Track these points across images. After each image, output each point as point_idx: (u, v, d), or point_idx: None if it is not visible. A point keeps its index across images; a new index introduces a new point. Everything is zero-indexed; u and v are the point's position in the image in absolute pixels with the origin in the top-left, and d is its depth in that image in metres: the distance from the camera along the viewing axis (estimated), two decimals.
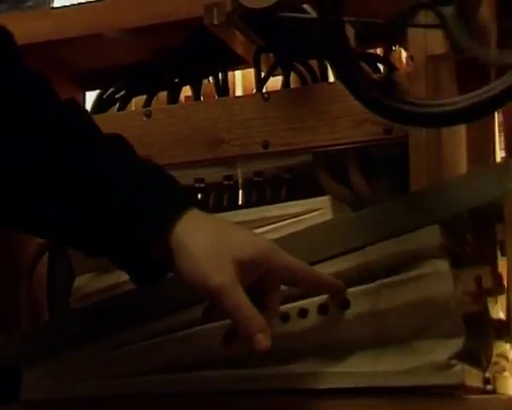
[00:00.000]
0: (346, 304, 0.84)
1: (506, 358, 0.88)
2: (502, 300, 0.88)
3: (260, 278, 0.80)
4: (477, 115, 0.76)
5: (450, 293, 0.81)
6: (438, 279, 0.81)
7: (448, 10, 0.78)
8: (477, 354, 0.85)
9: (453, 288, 0.81)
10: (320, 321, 0.85)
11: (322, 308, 0.85)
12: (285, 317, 0.86)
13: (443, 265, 0.82)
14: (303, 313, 0.86)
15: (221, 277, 0.76)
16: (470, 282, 0.83)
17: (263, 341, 0.77)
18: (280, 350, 0.85)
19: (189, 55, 1.05)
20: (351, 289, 0.84)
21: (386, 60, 1.04)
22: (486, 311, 0.86)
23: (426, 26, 0.86)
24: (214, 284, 0.76)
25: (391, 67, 1.01)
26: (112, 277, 0.98)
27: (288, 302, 0.86)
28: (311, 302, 0.86)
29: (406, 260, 0.83)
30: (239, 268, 0.77)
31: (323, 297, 0.85)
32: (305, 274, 0.83)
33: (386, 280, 0.83)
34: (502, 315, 0.88)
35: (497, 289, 0.85)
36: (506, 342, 0.87)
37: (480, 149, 0.92)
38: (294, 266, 0.82)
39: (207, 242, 0.78)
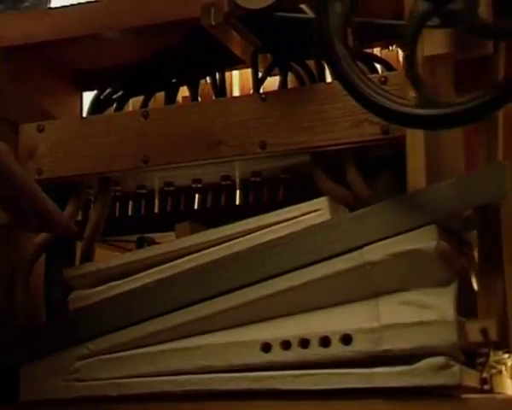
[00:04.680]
0: (347, 340, 0.84)
1: (503, 363, 0.88)
2: None
3: None
4: (475, 118, 0.76)
5: (455, 344, 0.81)
6: (443, 328, 0.81)
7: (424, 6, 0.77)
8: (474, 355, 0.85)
9: (457, 339, 0.81)
10: (320, 353, 0.85)
11: (324, 341, 0.85)
12: (286, 345, 0.87)
13: (449, 310, 0.82)
14: (304, 343, 0.86)
15: None
16: (476, 333, 0.83)
17: None
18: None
19: (186, 55, 1.05)
20: (353, 325, 0.84)
21: (382, 59, 1.04)
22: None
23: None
24: None
25: (388, 67, 1.02)
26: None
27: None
28: (313, 333, 0.86)
29: (404, 261, 0.83)
30: None
31: (325, 330, 0.85)
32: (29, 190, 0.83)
33: (389, 320, 0.83)
34: None
35: (503, 341, 0.84)
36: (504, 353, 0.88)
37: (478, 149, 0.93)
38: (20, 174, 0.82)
39: None
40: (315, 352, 0.85)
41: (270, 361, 0.87)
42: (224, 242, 0.93)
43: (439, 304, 0.82)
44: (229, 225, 0.94)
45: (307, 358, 0.85)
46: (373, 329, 0.83)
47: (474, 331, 0.83)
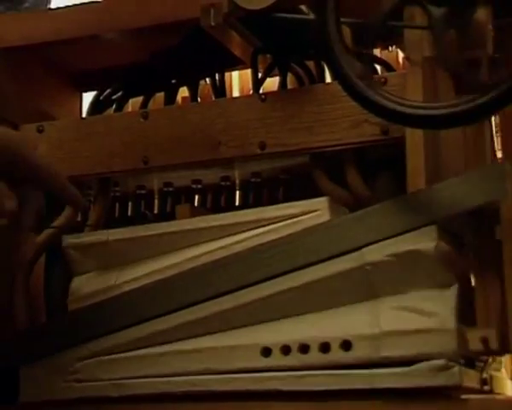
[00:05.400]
0: (347, 346, 0.84)
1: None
2: None
3: (5, 170, 0.83)
4: (474, 118, 0.76)
5: (455, 352, 0.81)
6: (443, 336, 0.81)
7: (439, 12, 0.78)
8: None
9: (457, 347, 0.81)
10: (320, 359, 0.85)
11: (324, 347, 0.85)
12: (286, 350, 0.87)
13: (449, 322, 0.81)
14: (304, 348, 0.86)
15: None
16: (476, 342, 0.83)
17: (7, 204, 0.81)
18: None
19: (185, 56, 1.05)
20: (353, 331, 0.84)
21: (382, 60, 1.04)
22: None
23: (410, 27, 0.86)
24: None
25: (387, 68, 1.02)
26: (109, 278, 0.98)
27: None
28: (313, 339, 0.86)
29: (404, 262, 0.83)
30: None
31: (325, 336, 0.85)
32: (46, 173, 0.86)
33: (389, 328, 0.83)
34: None
35: (503, 349, 0.84)
36: None
37: (478, 149, 0.92)
38: (36, 161, 0.85)
39: None
40: (315, 357, 0.85)
41: (270, 366, 0.87)
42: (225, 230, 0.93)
43: (439, 311, 0.82)
44: (228, 213, 0.94)
45: (307, 363, 0.85)
46: (373, 335, 0.83)
47: (474, 340, 0.83)
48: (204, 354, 0.90)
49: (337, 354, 0.84)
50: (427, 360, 0.81)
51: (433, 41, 0.80)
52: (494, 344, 0.82)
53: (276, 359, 0.86)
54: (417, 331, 0.82)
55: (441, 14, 0.78)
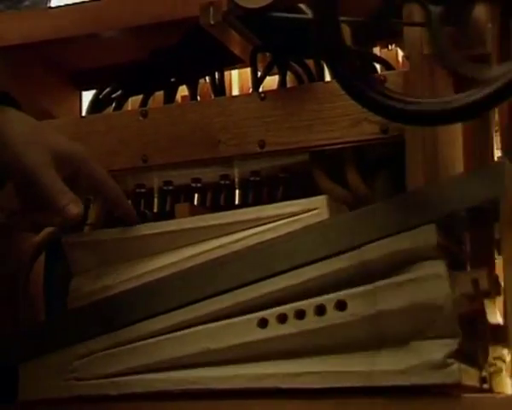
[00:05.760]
0: (342, 305, 0.84)
1: (503, 360, 0.88)
2: (499, 301, 0.88)
3: (69, 178, 0.89)
4: (472, 114, 0.76)
5: (448, 295, 0.81)
6: (435, 282, 0.81)
7: (437, 10, 0.78)
8: (473, 354, 0.85)
9: (450, 290, 0.81)
10: (317, 322, 0.85)
11: (319, 309, 0.85)
12: (283, 318, 0.87)
13: (440, 267, 0.82)
14: (300, 314, 0.86)
15: (36, 157, 0.86)
16: (467, 284, 0.83)
17: (74, 208, 0.87)
18: (277, 351, 0.86)
19: (185, 54, 1.05)
20: (348, 291, 0.84)
21: (382, 59, 1.04)
22: (483, 312, 0.86)
23: (409, 25, 0.86)
24: (29, 161, 0.86)
25: (387, 66, 1.02)
26: (109, 276, 0.98)
27: (284, 303, 0.87)
28: (308, 303, 0.86)
29: (403, 260, 0.83)
30: (53, 157, 0.88)
31: (320, 299, 0.85)
32: (107, 189, 0.94)
33: (383, 282, 0.83)
34: (499, 318, 0.88)
35: (493, 291, 0.85)
36: (503, 347, 0.88)
37: (477, 148, 0.93)
38: (100, 177, 0.93)
39: (25, 130, 0.88)
40: (311, 322, 0.85)
41: (268, 337, 0.87)
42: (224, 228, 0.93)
43: (430, 264, 0.82)
44: (227, 212, 0.94)
45: (304, 329, 0.85)
46: (367, 291, 0.83)
47: (465, 283, 0.83)
48: (201, 334, 0.90)
49: (333, 315, 0.85)
50: (422, 307, 0.81)
51: (431, 38, 0.80)
52: (485, 285, 0.83)
53: (273, 328, 0.87)
54: (410, 281, 0.82)
55: (439, 12, 0.78)
